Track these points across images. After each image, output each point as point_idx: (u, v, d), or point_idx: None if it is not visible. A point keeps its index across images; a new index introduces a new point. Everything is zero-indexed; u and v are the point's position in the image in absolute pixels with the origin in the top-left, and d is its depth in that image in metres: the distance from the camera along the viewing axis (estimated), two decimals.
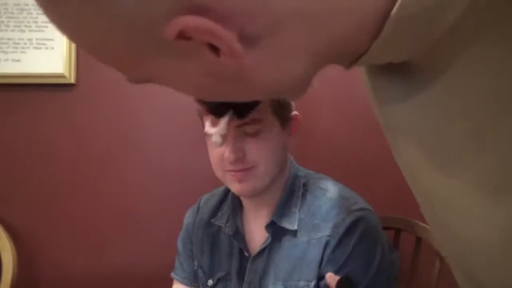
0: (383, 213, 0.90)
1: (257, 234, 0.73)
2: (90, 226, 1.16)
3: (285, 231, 0.68)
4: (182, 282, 0.81)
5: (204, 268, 0.77)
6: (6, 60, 1.13)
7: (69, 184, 1.16)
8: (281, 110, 0.67)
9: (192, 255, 0.81)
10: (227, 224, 0.75)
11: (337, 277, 0.59)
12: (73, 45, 1.14)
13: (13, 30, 1.13)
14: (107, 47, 0.23)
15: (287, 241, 0.68)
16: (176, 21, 0.20)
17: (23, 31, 1.13)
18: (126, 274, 1.16)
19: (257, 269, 0.70)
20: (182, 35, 0.20)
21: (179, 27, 0.20)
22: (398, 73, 0.28)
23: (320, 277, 0.64)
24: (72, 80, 1.14)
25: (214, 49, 0.22)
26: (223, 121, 0.59)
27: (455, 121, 0.25)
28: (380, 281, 0.62)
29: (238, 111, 0.60)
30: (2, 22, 1.13)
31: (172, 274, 0.83)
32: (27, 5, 1.13)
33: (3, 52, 1.13)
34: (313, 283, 0.64)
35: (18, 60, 1.13)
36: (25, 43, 1.13)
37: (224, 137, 0.61)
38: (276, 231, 0.69)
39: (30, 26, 1.14)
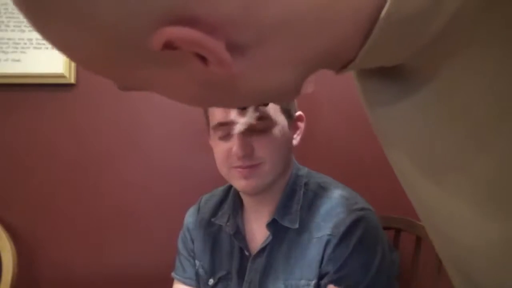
0: (383, 213, 0.90)
1: (257, 233, 0.73)
2: (90, 226, 1.16)
3: (286, 230, 0.68)
4: (182, 282, 0.81)
5: (205, 267, 0.77)
6: (6, 60, 1.12)
7: (69, 184, 1.16)
8: (288, 109, 0.68)
9: (192, 254, 0.81)
10: (227, 224, 0.75)
11: None
12: None
13: (13, 30, 1.13)
14: (94, 59, 0.23)
15: (287, 240, 0.68)
16: (160, 32, 0.19)
17: (23, 31, 1.13)
18: (126, 274, 1.16)
19: (257, 268, 0.70)
20: (169, 45, 0.20)
21: (163, 38, 0.19)
22: (389, 76, 0.28)
23: (321, 276, 0.64)
24: (72, 80, 1.14)
25: (202, 58, 0.21)
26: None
27: (453, 123, 0.25)
28: (380, 281, 0.62)
29: None
30: (2, 22, 1.13)
31: (173, 274, 0.83)
32: None
33: (3, 52, 1.13)
34: (313, 282, 0.64)
35: (18, 60, 1.13)
36: (25, 43, 1.13)
37: (235, 129, 0.62)
38: (277, 229, 0.69)
39: (30, 26, 1.13)
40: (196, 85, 0.25)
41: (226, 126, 0.65)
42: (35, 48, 1.13)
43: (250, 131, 0.64)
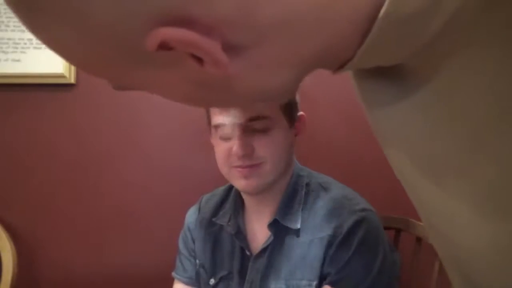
0: (383, 213, 0.90)
1: (259, 233, 0.73)
2: (90, 226, 1.16)
3: (287, 230, 0.68)
4: (183, 282, 0.81)
5: (206, 267, 0.77)
6: (6, 60, 1.12)
7: (69, 184, 1.16)
8: (289, 109, 0.68)
9: (193, 254, 0.81)
10: (229, 223, 0.75)
11: None
12: None
13: (13, 30, 1.13)
14: (89, 59, 0.23)
15: (289, 240, 0.68)
16: (155, 33, 0.19)
17: (23, 31, 1.13)
18: (126, 274, 1.16)
19: (258, 268, 0.70)
20: (164, 46, 0.20)
21: (158, 39, 0.19)
22: (388, 76, 0.27)
23: (322, 277, 0.64)
24: (72, 80, 1.14)
25: (198, 58, 0.21)
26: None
27: (453, 123, 0.25)
28: (381, 281, 0.62)
29: None
30: (2, 22, 1.13)
31: (173, 274, 0.83)
32: None
33: (3, 52, 1.12)
34: (315, 283, 0.64)
35: (18, 60, 1.13)
36: (25, 43, 1.13)
37: (235, 129, 0.62)
38: (278, 230, 0.69)
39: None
40: (192, 85, 0.25)
41: (226, 126, 0.65)
42: (35, 48, 1.13)
43: (250, 131, 0.64)
